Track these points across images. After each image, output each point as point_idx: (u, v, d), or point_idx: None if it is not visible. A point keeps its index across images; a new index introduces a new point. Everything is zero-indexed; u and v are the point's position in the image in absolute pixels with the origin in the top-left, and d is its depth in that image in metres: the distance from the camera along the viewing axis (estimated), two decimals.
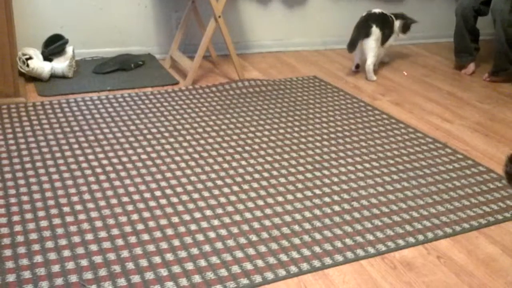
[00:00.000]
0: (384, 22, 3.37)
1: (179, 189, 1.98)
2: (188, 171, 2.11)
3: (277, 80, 3.21)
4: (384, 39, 3.39)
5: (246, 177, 2.09)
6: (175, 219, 1.80)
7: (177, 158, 2.21)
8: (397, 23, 3.50)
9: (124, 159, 2.19)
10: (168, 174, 2.08)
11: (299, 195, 1.99)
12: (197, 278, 1.53)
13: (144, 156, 2.22)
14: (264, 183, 2.06)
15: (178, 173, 2.10)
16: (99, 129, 2.45)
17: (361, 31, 3.28)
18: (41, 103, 2.69)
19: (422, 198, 2.01)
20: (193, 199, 1.92)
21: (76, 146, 2.27)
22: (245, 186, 2.03)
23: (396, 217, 1.88)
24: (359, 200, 1.97)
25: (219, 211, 1.86)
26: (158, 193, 1.95)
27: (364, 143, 2.45)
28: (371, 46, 3.27)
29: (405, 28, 3.53)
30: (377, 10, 3.37)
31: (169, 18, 3.50)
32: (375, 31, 3.27)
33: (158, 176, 2.07)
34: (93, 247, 1.64)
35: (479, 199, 2.03)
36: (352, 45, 3.28)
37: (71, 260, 1.58)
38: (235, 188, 2.01)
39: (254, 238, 1.72)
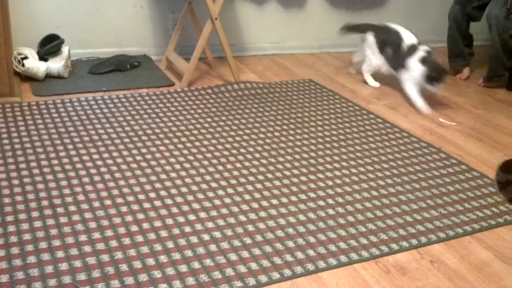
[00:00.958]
0: (387, 37, 3.11)
1: (173, 191, 1.98)
2: (183, 173, 2.11)
3: (272, 83, 3.22)
4: (392, 61, 3.07)
5: (241, 180, 2.09)
6: (169, 221, 1.80)
7: (172, 160, 2.21)
8: (420, 68, 2.88)
9: (119, 160, 2.18)
10: (163, 176, 2.08)
11: (293, 198, 1.99)
12: (190, 281, 1.53)
13: (139, 158, 2.21)
14: (258, 185, 2.06)
15: (173, 174, 2.10)
16: (94, 129, 2.44)
17: (359, 29, 3.29)
18: (36, 103, 2.69)
19: (416, 203, 2.02)
20: (187, 201, 1.92)
21: (70, 146, 2.27)
22: (240, 189, 2.03)
23: (390, 221, 1.88)
24: (353, 204, 1.98)
25: (214, 213, 1.86)
26: (152, 195, 1.95)
27: (359, 147, 2.45)
28: (365, 52, 3.27)
29: (430, 79, 2.87)
30: (388, 25, 3.17)
31: (166, 19, 3.49)
32: (370, 38, 3.22)
33: (153, 178, 2.06)
34: (87, 248, 1.63)
35: (473, 204, 2.04)
36: (347, 28, 3.30)
37: (65, 261, 1.57)
38: (230, 190, 2.01)
39: (248, 240, 1.72)
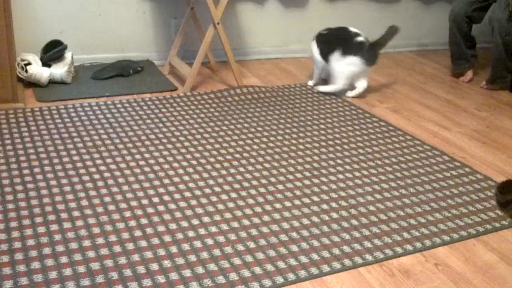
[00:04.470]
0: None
1: (177, 196, 1.98)
2: (186, 178, 2.11)
3: (275, 87, 3.22)
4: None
5: (244, 184, 2.09)
6: (173, 226, 1.80)
7: (175, 165, 2.21)
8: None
9: (122, 165, 2.18)
10: (166, 181, 2.08)
11: (297, 202, 1.99)
12: (194, 285, 1.53)
13: (142, 163, 2.22)
14: (262, 190, 2.06)
15: (176, 179, 2.10)
16: (97, 135, 2.45)
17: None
18: (39, 109, 2.69)
19: (419, 206, 2.01)
20: (191, 206, 1.92)
21: (74, 152, 2.27)
22: (243, 193, 2.03)
23: (394, 225, 1.88)
24: (357, 207, 1.97)
25: (217, 217, 1.86)
26: (156, 200, 1.95)
27: (362, 150, 2.45)
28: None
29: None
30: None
31: (168, 24, 3.50)
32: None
33: (156, 183, 2.06)
34: (91, 254, 1.63)
35: (477, 207, 2.03)
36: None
37: (69, 266, 1.57)
38: (233, 195, 2.01)
39: (252, 245, 1.72)
